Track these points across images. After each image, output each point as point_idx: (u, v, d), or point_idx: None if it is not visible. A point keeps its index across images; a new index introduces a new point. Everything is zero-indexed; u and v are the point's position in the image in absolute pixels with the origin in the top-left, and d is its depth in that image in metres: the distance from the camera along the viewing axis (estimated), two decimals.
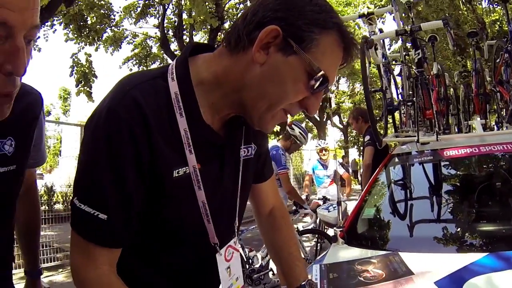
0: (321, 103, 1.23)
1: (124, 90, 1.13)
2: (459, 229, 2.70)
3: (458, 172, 3.38)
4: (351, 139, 38.38)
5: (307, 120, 34.22)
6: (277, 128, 24.41)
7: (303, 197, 7.09)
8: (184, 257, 1.32)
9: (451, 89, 7.20)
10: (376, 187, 3.38)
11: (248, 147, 1.42)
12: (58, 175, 17.52)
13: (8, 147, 1.38)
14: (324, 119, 31.04)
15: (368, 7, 21.96)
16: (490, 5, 17.43)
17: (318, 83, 1.13)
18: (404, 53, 5.51)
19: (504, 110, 4.83)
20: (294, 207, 6.46)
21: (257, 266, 5.86)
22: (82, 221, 1.13)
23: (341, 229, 2.76)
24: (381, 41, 4.48)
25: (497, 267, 1.97)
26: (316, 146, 9.02)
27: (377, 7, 18.74)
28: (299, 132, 6.41)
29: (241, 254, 5.97)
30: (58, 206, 10.58)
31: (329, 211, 3.36)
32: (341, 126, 36.97)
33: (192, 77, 1.21)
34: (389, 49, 16.54)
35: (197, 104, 1.20)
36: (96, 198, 1.11)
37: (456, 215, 2.88)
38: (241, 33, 1.15)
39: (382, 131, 4.28)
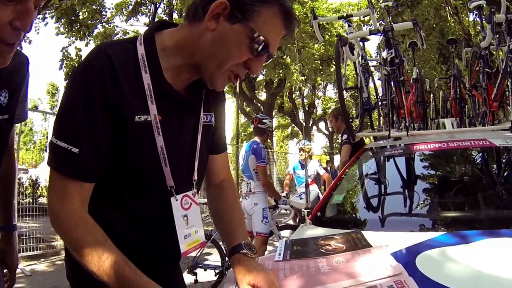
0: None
1: (99, 48, 1.41)
2: (423, 214, 2.85)
3: (426, 165, 3.53)
4: (336, 145, 38.47)
5: (293, 125, 34.30)
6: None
7: (283, 194, 7.25)
8: (145, 200, 1.50)
9: (431, 94, 7.39)
10: (347, 177, 3.52)
11: (209, 114, 1.66)
12: (43, 169, 17.47)
13: (3, 98, 1.54)
14: (310, 125, 31.14)
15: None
16: (478, 18, 17.61)
17: (260, 47, 1.39)
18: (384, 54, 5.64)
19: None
20: (274, 203, 6.61)
21: None
22: (57, 156, 1.36)
23: (309, 210, 2.90)
24: (360, 42, 4.64)
25: (451, 242, 2.07)
26: (297, 146, 9.25)
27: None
28: (269, 121, 6.83)
29: (221, 248, 6.11)
30: (42, 200, 10.63)
31: (301, 199, 3.51)
32: (327, 132, 37.02)
33: (157, 45, 1.46)
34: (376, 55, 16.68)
35: (160, 64, 1.44)
36: (70, 134, 1.33)
37: (421, 202, 3.00)
38: (198, 7, 1.41)
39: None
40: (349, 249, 2.09)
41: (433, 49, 16.47)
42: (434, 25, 16.57)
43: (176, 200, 1.51)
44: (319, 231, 2.60)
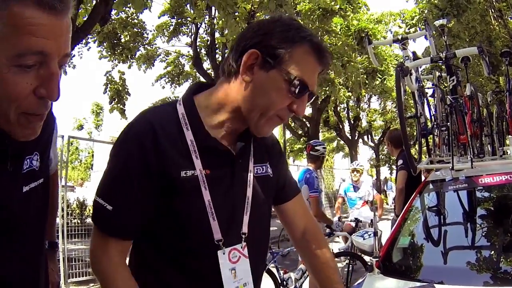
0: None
1: (141, 114, 1.51)
2: (498, 260, 2.65)
3: (494, 200, 3.32)
4: (382, 157, 37.95)
5: (338, 139, 34.00)
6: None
7: (335, 219, 7.08)
8: (193, 253, 1.49)
9: (484, 110, 7.08)
10: (411, 215, 3.35)
11: (263, 165, 1.66)
12: (90, 188, 17.77)
13: (35, 162, 1.38)
14: (356, 138, 30.86)
15: (399, 26, 21.85)
16: None
17: (298, 89, 1.40)
18: (438, 74, 5.40)
19: None
20: (328, 230, 6.42)
21: None
22: (96, 212, 1.46)
23: (377, 259, 2.75)
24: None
25: None
26: (350, 166, 9.12)
27: (408, 27, 18.57)
28: (322, 148, 6.62)
29: (275, 277, 5.94)
30: (90, 220, 10.71)
31: (364, 239, 3.32)
32: (372, 145, 36.61)
33: (197, 105, 1.50)
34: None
35: (200, 120, 1.48)
36: (107, 192, 1.44)
37: (494, 245, 2.82)
38: (231, 61, 1.46)
39: (416, 156, 4.23)
40: None
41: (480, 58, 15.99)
42: (479, 32, 16.14)
43: (224, 253, 1.49)
44: (389, 283, 2.47)
